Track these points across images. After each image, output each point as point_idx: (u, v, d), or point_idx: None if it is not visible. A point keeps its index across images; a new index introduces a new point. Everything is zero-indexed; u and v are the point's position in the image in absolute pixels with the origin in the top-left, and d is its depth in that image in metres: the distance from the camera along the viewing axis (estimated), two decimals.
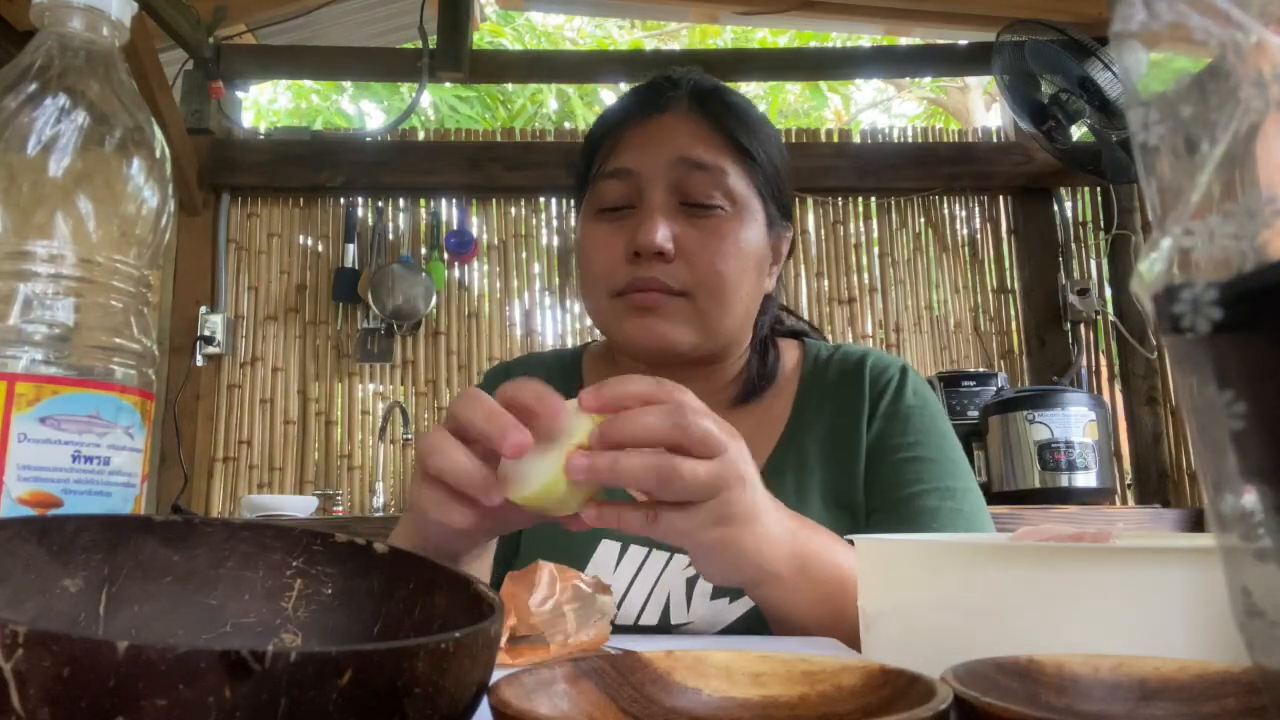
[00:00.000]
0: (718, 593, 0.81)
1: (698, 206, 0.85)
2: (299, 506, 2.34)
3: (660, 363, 0.89)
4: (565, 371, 1.00)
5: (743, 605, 0.79)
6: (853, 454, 0.89)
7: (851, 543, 0.53)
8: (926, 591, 0.46)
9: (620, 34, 7.40)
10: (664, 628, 0.81)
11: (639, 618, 0.81)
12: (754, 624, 0.79)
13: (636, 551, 0.84)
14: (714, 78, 0.94)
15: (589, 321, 2.91)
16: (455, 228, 2.91)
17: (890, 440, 0.88)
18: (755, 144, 0.88)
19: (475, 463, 0.56)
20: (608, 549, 0.84)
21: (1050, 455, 2.26)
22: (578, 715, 0.32)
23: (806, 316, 2.91)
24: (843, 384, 0.93)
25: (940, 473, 0.87)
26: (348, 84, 6.93)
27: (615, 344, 0.92)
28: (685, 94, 0.89)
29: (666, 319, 0.84)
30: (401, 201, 2.94)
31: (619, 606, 0.82)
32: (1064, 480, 2.26)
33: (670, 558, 0.84)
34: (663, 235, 0.82)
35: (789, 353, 0.97)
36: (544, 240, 2.98)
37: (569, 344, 2.91)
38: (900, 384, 0.92)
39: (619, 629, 0.79)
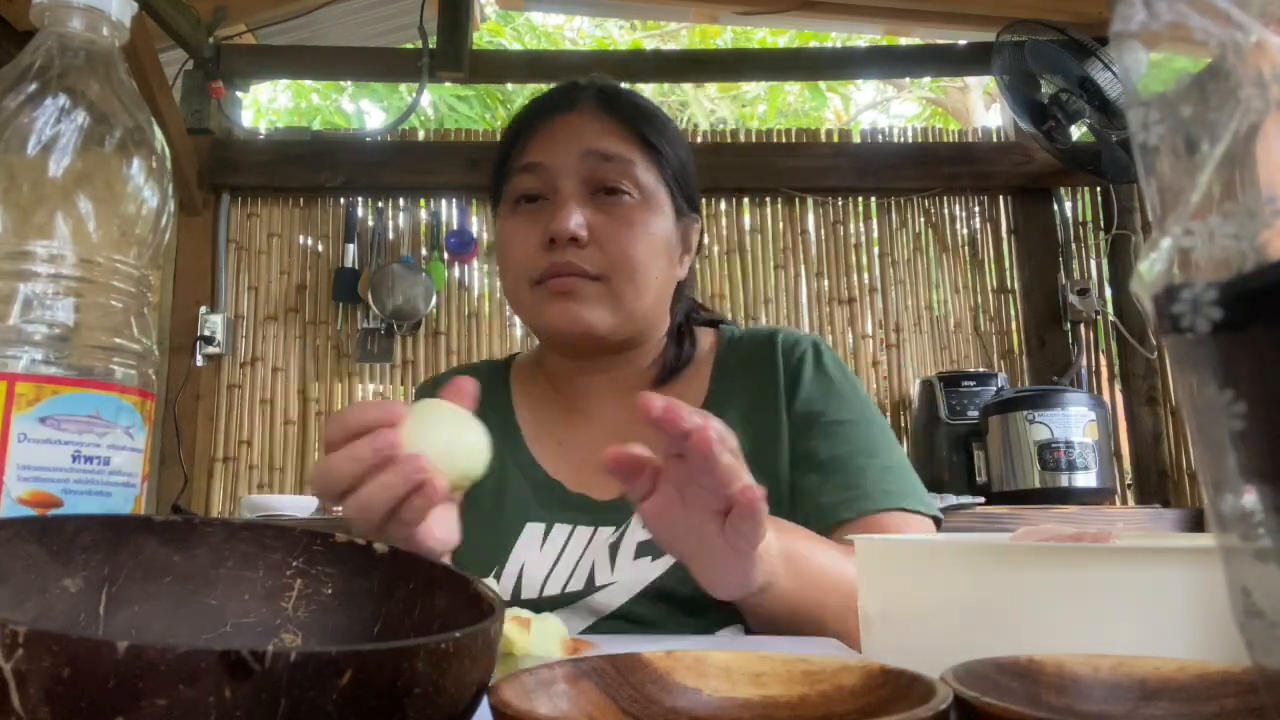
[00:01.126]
0: (640, 552, 0.84)
1: (608, 194, 0.90)
2: (299, 506, 2.34)
3: (581, 350, 0.94)
4: (493, 380, 1.02)
5: (663, 564, 0.83)
6: (773, 424, 0.92)
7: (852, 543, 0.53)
8: (926, 591, 0.46)
9: (620, 34, 7.40)
10: (589, 589, 0.84)
11: (566, 585, 0.84)
12: (671, 582, 0.82)
13: (560, 530, 0.88)
14: (616, 83, 1.01)
15: None
16: (455, 228, 2.91)
17: (813, 408, 0.92)
18: (660, 139, 0.94)
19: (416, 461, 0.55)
20: (532, 530, 0.88)
21: (1050, 455, 2.26)
22: (578, 715, 0.32)
23: (806, 316, 2.92)
24: (756, 359, 0.96)
25: (864, 434, 0.90)
26: (348, 84, 6.93)
27: (537, 332, 0.96)
28: (592, 94, 0.95)
29: (584, 302, 0.88)
30: (401, 201, 2.94)
31: (545, 580, 0.85)
32: (1064, 480, 2.26)
33: (594, 532, 0.87)
34: (576, 221, 0.87)
35: (704, 338, 1.02)
36: None
37: None
38: (816, 355, 0.95)
39: (538, 603, 0.81)
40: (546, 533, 0.88)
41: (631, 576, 0.83)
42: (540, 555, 0.87)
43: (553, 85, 1.01)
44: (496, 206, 0.98)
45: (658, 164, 0.93)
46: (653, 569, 0.83)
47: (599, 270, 0.88)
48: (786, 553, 0.67)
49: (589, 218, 0.88)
